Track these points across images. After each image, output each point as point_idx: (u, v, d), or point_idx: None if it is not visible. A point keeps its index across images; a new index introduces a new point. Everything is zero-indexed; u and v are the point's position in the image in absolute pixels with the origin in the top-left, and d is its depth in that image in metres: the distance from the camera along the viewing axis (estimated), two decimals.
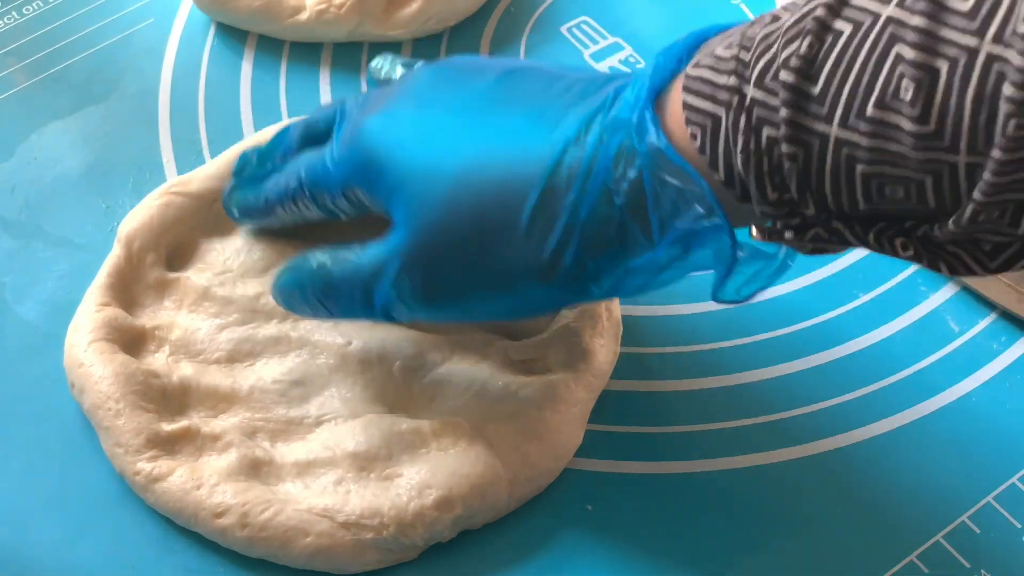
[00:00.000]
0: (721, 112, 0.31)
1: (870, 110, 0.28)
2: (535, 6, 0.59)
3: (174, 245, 0.46)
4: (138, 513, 0.41)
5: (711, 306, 0.46)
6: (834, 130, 0.29)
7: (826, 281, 0.47)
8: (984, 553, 0.39)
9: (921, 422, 0.43)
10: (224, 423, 0.42)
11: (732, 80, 0.31)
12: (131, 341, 0.43)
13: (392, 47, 0.57)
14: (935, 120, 0.27)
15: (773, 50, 0.30)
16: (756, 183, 0.31)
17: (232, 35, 0.57)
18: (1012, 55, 0.25)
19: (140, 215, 0.46)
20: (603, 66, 0.56)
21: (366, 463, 0.40)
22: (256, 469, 0.40)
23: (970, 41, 0.26)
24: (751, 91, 0.30)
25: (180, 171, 0.51)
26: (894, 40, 0.27)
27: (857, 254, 0.47)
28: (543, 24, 0.58)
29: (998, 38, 0.25)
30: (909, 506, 0.41)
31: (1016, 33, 0.25)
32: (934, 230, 0.29)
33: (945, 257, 0.30)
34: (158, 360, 0.43)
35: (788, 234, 0.31)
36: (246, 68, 0.56)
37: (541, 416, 0.41)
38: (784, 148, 0.30)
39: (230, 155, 0.48)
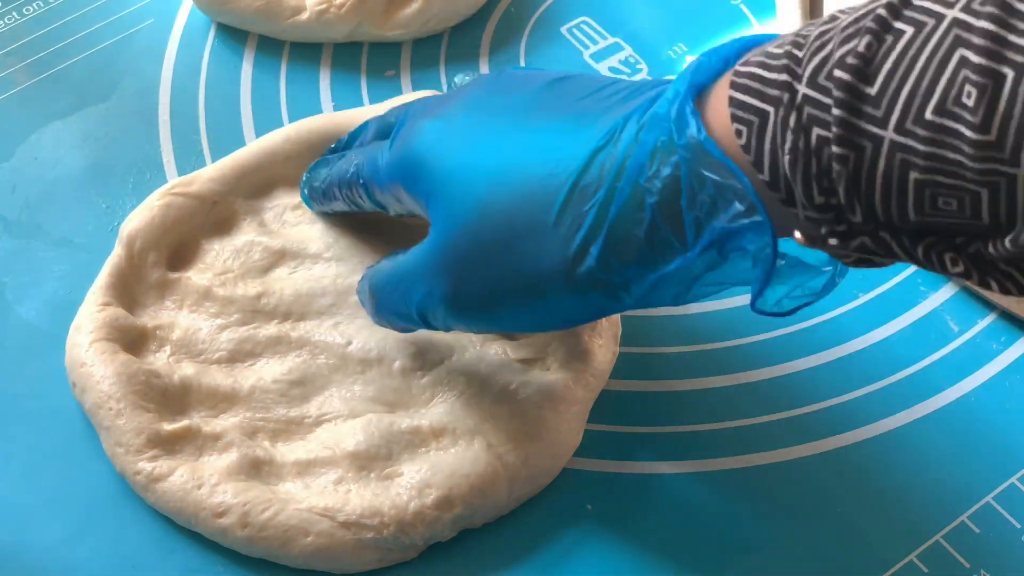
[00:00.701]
0: (770, 109, 0.30)
1: (929, 115, 0.26)
2: (535, 6, 0.59)
3: (175, 245, 0.46)
4: (138, 513, 0.41)
5: (711, 306, 0.46)
6: (889, 134, 0.27)
7: None
8: (984, 553, 0.39)
9: (921, 422, 0.43)
10: (225, 423, 0.42)
11: (783, 76, 0.29)
12: (132, 341, 0.43)
13: (392, 47, 0.57)
14: (996, 129, 0.25)
15: (829, 48, 0.29)
16: (803, 185, 0.30)
17: (232, 35, 0.58)
18: None
19: (142, 215, 0.46)
20: (603, 66, 0.56)
21: (366, 462, 0.40)
22: (256, 469, 0.40)
23: None
24: (803, 88, 0.29)
25: (180, 171, 0.52)
26: (958, 43, 0.26)
27: None
28: (543, 24, 0.58)
29: None
30: (909, 506, 0.41)
31: None
32: (988, 248, 0.28)
33: (996, 275, 0.28)
34: (159, 360, 0.43)
35: (833, 240, 0.30)
36: (246, 68, 0.56)
37: (540, 416, 0.41)
38: (834, 150, 0.28)
39: (231, 157, 0.48)
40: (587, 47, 0.57)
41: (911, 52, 0.27)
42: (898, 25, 0.27)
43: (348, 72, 0.56)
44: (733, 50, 0.33)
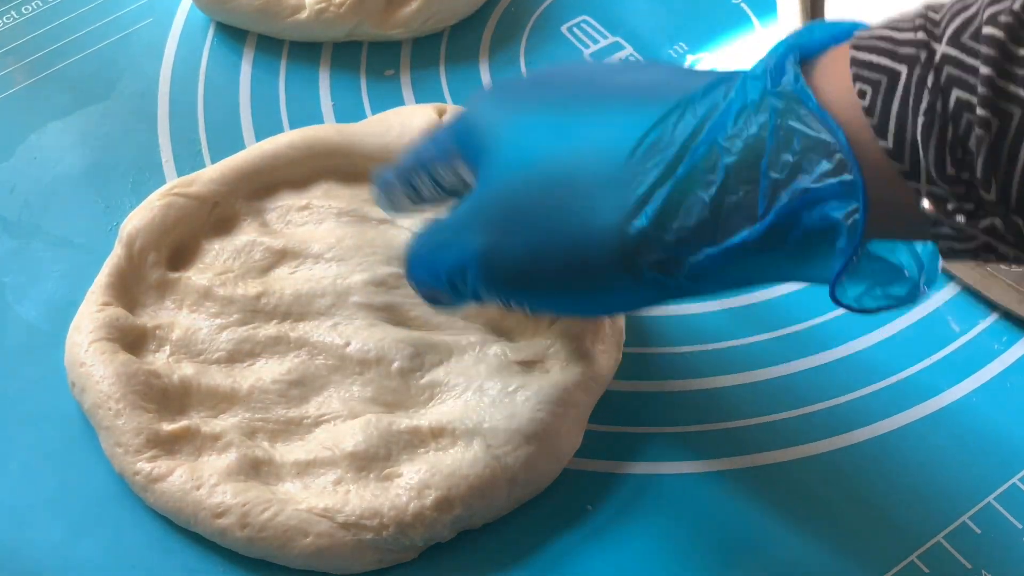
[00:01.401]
0: (902, 68, 0.27)
1: None
2: (535, 6, 0.59)
3: (175, 245, 0.46)
4: (138, 513, 0.41)
5: (712, 306, 0.46)
6: None
7: None
8: (985, 553, 0.39)
9: (922, 422, 0.43)
10: (224, 423, 0.42)
11: (919, 35, 0.27)
12: (132, 341, 0.43)
13: (392, 47, 0.57)
14: None
15: (974, 8, 0.26)
16: (935, 153, 0.26)
17: (232, 35, 0.57)
18: None
19: (142, 215, 0.46)
20: None
21: (365, 463, 0.40)
22: (256, 469, 0.40)
23: None
24: (943, 48, 0.26)
25: (179, 171, 0.51)
26: None
27: None
28: (543, 24, 0.58)
29: None
30: (910, 506, 0.41)
31: None
32: None
33: None
34: (159, 360, 0.43)
35: (960, 217, 0.27)
36: (246, 68, 0.56)
37: (539, 418, 0.41)
38: (978, 113, 0.25)
39: (232, 159, 0.48)
40: (587, 46, 0.57)
41: None
42: None
43: (347, 71, 0.56)
44: (839, 27, 0.30)
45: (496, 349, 0.43)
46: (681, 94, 0.31)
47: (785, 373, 0.44)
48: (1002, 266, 0.46)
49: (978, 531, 0.40)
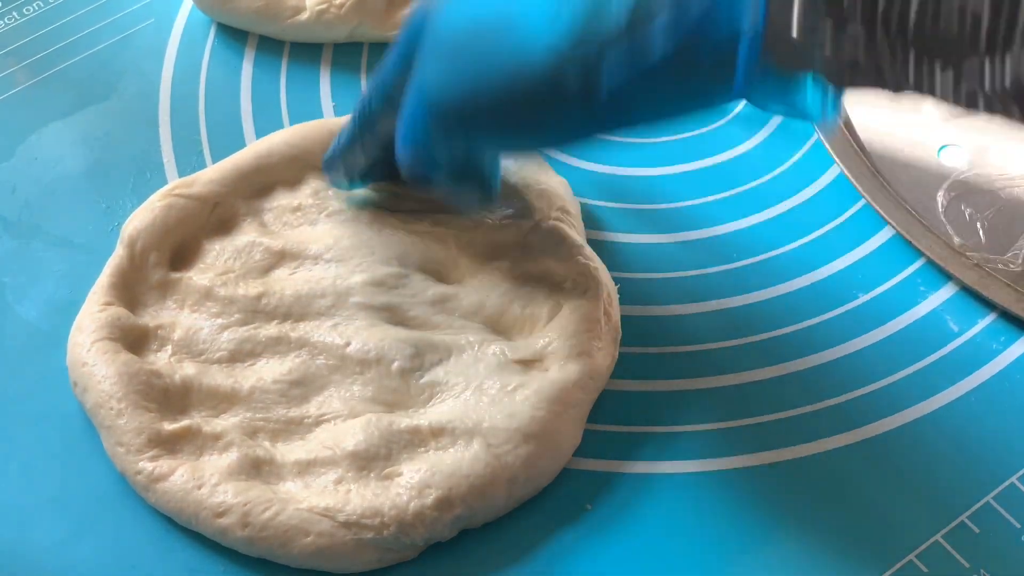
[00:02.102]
0: None
1: None
2: None
3: (176, 246, 0.46)
4: (139, 513, 0.41)
5: (711, 306, 0.46)
6: None
7: (826, 281, 0.47)
8: (984, 553, 0.39)
9: (921, 422, 0.43)
10: (225, 423, 0.42)
11: None
12: (134, 340, 0.44)
13: None
14: None
15: None
16: None
17: (232, 35, 0.58)
18: None
19: (143, 216, 0.46)
20: None
21: (365, 462, 0.40)
22: (257, 468, 0.40)
23: None
24: None
25: (180, 171, 0.52)
26: None
27: (856, 254, 0.47)
28: None
29: None
30: (908, 506, 0.41)
31: None
32: (985, 68, 0.26)
33: (983, 97, 0.27)
34: (160, 359, 0.43)
35: (828, 23, 0.28)
36: (246, 68, 0.56)
37: (538, 417, 0.41)
38: None
39: (232, 159, 0.48)
40: None
41: None
42: None
43: (348, 72, 0.56)
44: None
45: (495, 348, 0.43)
46: None
47: (784, 373, 0.44)
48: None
49: (977, 530, 0.40)
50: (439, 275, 0.46)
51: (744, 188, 0.50)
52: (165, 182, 0.51)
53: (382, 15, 0.56)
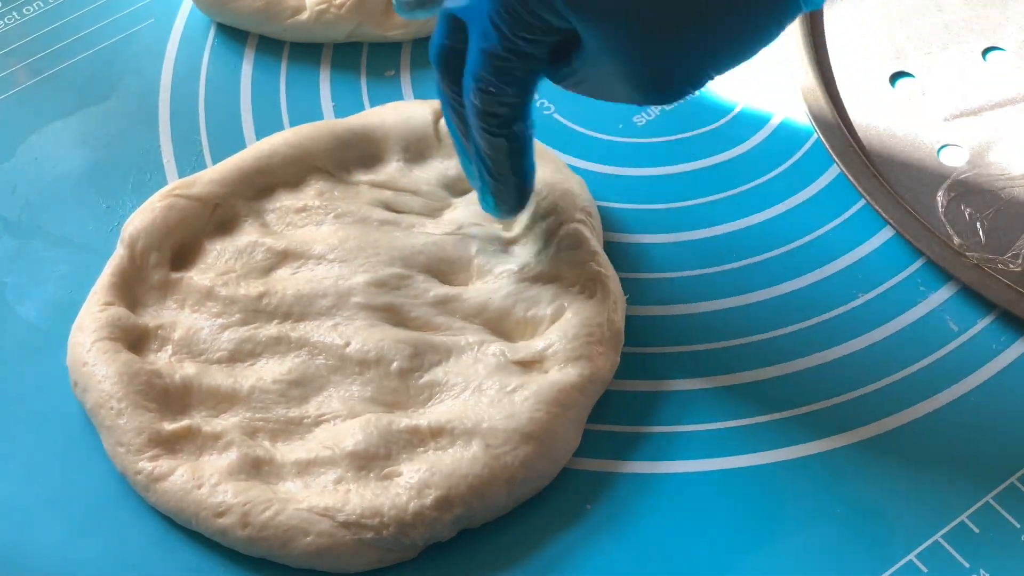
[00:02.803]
0: None
1: None
2: None
3: (177, 246, 0.47)
4: (139, 512, 0.41)
5: (710, 306, 0.46)
6: None
7: (826, 281, 0.47)
8: (983, 553, 0.39)
9: (921, 422, 0.43)
10: (225, 422, 0.42)
11: None
12: (135, 340, 0.44)
13: (392, 47, 0.57)
14: None
15: None
16: None
17: (232, 35, 0.58)
18: None
19: (143, 216, 0.46)
20: None
21: (365, 462, 0.40)
22: (257, 468, 0.40)
23: None
24: None
25: (180, 171, 0.52)
26: None
27: (856, 254, 0.48)
28: None
29: None
30: (908, 505, 0.41)
31: None
32: None
33: None
34: (161, 359, 0.43)
35: None
36: (246, 68, 0.56)
37: (536, 418, 0.41)
38: None
39: (232, 159, 0.48)
40: None
41: None
42: None
43: (348, 72, 0.56)
44: None
45: (495, 349, 0.43)
46: None
47: (784, 373, 0.44)
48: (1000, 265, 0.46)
49: (977, 530, 0.40)
50: (445, 277, 0.46)
51: (744, 188, 0.50)
52: (165, 182, 0.51)
53: (382, 15, 0.56)
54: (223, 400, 0.42)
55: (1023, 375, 0.44)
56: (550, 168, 0.48)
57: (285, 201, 0.48)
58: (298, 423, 0.42)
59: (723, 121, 0.53)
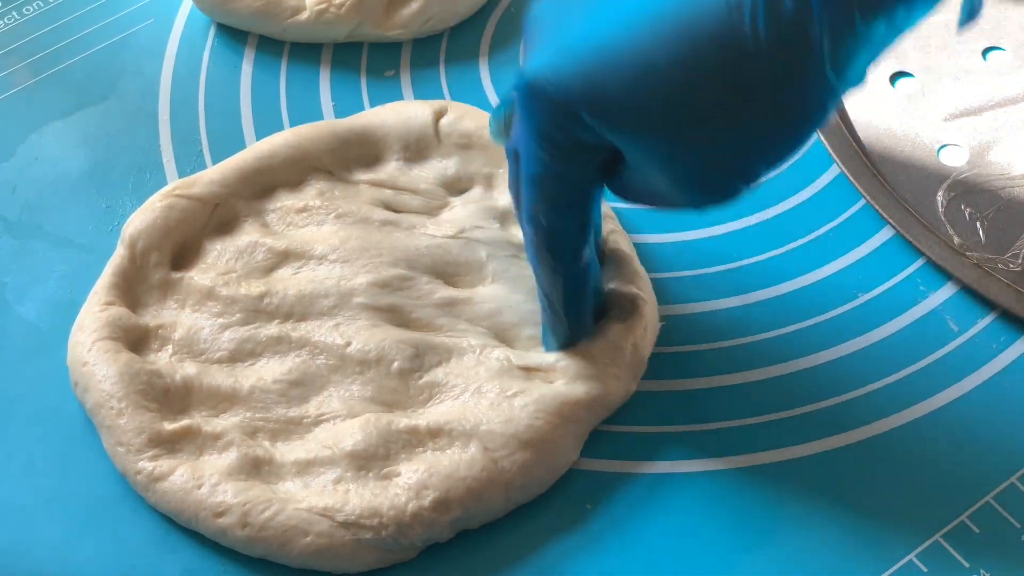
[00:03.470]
0: None
1: None
2: None
3: (178, 246, 0.47)
4: (139, 512, 0.41)
5: (710, 306, 0.46)
6: None
7: (826, 281, 0.47)
8: (983, 553, 0.39)
9: (920, 422, 0.43)
10: (225, 422, 0.42)
11: None
12: (135, 340, 0.44)
13: (392, 47, 0.57)
14: None
15: None
16: None
17: (232, 35, 0.58)
18: None
19: (144, 216, 0.46)
20: None
21: (364, 462, 0.40)
22: (257, 468, 0.40)
23: None
24: None
25: (180, 171, 0.52)
26: None
27: (856, 254, 0.48)
28: None
29: None
30: (908, 505, 0.41)
31: None
32: None
33: None
34: (161, 359, 0.43)
35: None
36: (246, 68, 0.56)
37: (535, 426, 0.40)
38: None
39: (234, 160, 0.48)
40: None
41: None
42: None
43: (348, 72, 0.56)
44: None
45: (499, 354, 0.43)
46: None
47: (784, 373, 0.44)
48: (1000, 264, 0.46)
49: (977, 530, 0.40)
50: (450, 280, 0.45)
51: None
52: (165, 182, 0.51)
53: (382, 15, 0.56)
54: (223, 400, 0.42)
55: (1023, 375, 0.44)
56: None
57: (285, 201, 0.48)
58: (298, 423, 0.42)
59: None
